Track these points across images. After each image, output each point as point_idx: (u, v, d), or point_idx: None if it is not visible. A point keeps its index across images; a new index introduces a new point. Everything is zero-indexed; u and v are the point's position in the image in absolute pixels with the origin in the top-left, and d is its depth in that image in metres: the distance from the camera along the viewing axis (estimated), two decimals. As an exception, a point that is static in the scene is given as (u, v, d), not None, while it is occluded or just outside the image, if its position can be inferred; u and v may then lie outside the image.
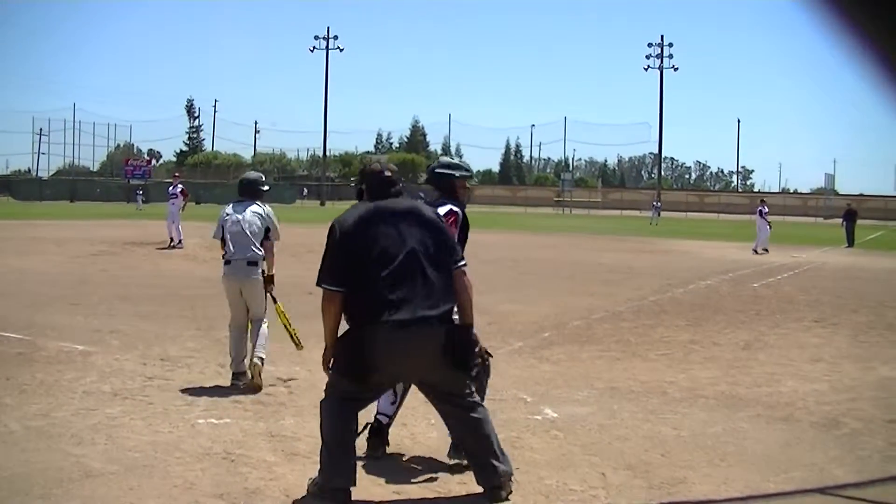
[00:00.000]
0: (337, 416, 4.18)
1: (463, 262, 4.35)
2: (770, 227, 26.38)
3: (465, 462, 4.77)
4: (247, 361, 6.73)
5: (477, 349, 4.35)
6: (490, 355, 5.05)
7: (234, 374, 6.75)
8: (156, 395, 6.30)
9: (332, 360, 4.26)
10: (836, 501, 4.59)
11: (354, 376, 4.15)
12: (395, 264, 4.08)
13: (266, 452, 5.01)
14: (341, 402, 4.19)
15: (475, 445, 4.27)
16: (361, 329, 4.10)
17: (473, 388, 4.36)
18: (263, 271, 6.86)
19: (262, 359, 6.65)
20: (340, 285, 4.14)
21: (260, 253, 6.80)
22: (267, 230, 6.90)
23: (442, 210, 5.04)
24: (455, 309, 4.30)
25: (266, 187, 7.25)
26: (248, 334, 6.85)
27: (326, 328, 4.22)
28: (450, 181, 5.19)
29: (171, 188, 22.58)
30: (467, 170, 5.35)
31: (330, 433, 4.17)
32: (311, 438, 5.25)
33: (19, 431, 5.32)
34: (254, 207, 6.92)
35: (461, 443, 4.40)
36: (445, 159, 5.46)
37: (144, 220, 33.36)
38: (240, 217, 6.84)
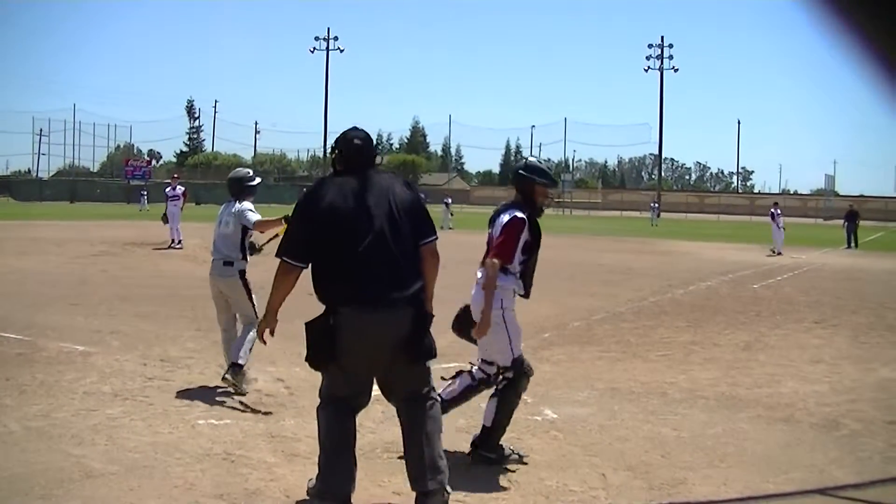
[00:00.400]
0: (333, 419, 4.05)
1: (432, 238, 4.14)
2: (783, 230, 26.17)
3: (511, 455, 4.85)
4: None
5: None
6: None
7: (232, 364, 6.56)
8: (156, 396, 6.30)
9: (265, 329, 4.22)
10: (836, 503, 4.59)
11: (322, 363, 3.99)
12: (363, 242, 3.88)
13: (266, 453, 5.01)
14: (336, 405, 4.06)
15: (421, 445, 4.02)
16: (329, 313, 3.91)
17: (433, 384, 4.18)
18: (242, 272, 6.74)
19: (237, 364, 6.45)
20: (300, 261, 4.00)
21: (235, 253, 6.73)
22: (245, 229, 6.78)
23: (506, 217, 4.94)
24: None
25: (254, 182, 7.12)
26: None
27: (273, 298, 4.11)
28: (530, 184, 5.04)
29: (169, 189, 22.59)
30: (552, 178, 5.16)
31: (327, 439, 4.05)
32: (311, 439, 5.24)
33: (19, 432, 5.32)
34: (230, 208, 6.88)
35: (406, 440, 4.07)
36: (533, 161, 5.20)
37: (146, 220, 33.35)
38: (220, 220, 6.91)
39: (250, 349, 6.55)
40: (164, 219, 21.05)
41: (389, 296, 3.88)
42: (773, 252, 25.14)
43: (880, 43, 1.29)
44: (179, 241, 20.84)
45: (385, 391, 4.17)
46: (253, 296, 6.73)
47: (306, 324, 3.98)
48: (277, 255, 4.06)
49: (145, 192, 54.09)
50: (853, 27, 1.28)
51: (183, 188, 22.94)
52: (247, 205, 6.89)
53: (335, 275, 3.92)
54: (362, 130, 4.25)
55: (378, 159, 4.32)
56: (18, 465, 4.67)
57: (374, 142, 4.31)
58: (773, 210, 26.98)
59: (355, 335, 3.86)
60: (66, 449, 4.97)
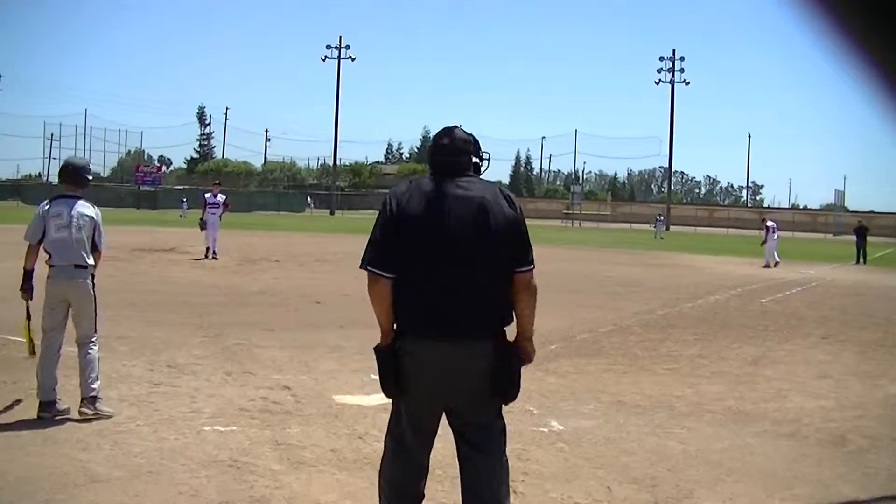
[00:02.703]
0: (397, 463, 3.52)
1: (528, 267, 3.44)
2: (776, 240, 26.32)
3: None
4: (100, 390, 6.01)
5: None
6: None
7: (41, 403, 5.82)
8: (162, 402, 6.31)
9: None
10: (842, 519, 4.57)
11: (388, 393, 3.49)
12: (440, 263, 3.34)
13: (271, 461, 5.01)
14: (397, 447, 3.53)
15: (480, 500, 3.48)
16: (399, 338, 3.41)
17: (504, 431, 3.58)
18: (93, 276, 6.09)
19: (94, 398, 5.85)
20: (385, 269, 3.36)
21: (88, 259, 6.05)
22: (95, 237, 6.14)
23: None
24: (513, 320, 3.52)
25: (90, 176, 6.51)
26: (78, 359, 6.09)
27: (378, 317, 3.46)
28: None
29: (209, 195, 20.98)
30: None
31: (387, 482, 3.55)
32: (316, 447, 5.27)
33: (25, 435, 5.34)
34: (80, 209, 6.07)
35: (466, 494, 3.50)
36: None
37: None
38: (64, 222, 6.01)
39: (97, 373, 5.99)
40: (202, 225, 19.92)
41: (462, 326, 3.34)
42: (771, 265, 25.19)
43: (889, 60, 1.29)
44: (214, 253, 19.74)
45: (456, 433, 3.56)
46: (97, 305, 6.16)
47: (374, 347, 3.50)
48: (361, 265, 3.44)
49: (185, 199, 53.81)
50: (862, 44, 1.29)
51: (224, 196, 21.27)
52: (98, 214, 6.23)
53: (405, 295, 3.39)
54: (456, 129, 3.58)
55: (483, 165, 3.66)
56: (23, 468, 4.68)
57: (473, 144, 3.59)
58: (770, 224, 26.96)
59: (418, 366, 3.36)
60: (71, 453, 4.98)
